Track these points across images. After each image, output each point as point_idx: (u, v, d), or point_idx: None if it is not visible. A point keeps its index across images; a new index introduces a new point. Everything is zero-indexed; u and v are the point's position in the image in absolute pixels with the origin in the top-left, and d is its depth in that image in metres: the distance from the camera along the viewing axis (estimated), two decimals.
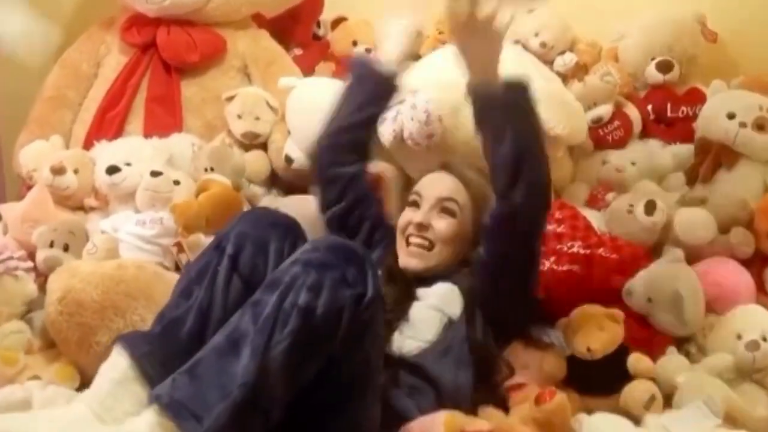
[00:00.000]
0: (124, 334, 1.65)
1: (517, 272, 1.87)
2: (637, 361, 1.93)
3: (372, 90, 2.06)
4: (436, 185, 1.97)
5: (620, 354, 1.94)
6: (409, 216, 1.96)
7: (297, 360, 1.45)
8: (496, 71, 1.77)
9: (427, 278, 1.93)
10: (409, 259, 1.94)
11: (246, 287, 1.63)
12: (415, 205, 1.97)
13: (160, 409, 1.42)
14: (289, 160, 2.50)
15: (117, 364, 1.55)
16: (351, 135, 2.06)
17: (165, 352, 1.56)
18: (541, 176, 1.81)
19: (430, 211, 1.94)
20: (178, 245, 2.11)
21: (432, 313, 1.86)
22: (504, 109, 1.78)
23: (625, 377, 1.92)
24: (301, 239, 1.75)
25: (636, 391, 1.88)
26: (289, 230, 1.75)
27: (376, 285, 1.51)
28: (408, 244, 1.95)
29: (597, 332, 1.93)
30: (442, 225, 1.93)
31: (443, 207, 1.94)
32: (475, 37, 1.73)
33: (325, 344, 1.47)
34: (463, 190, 1.96)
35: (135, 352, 1.55)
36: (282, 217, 1.79)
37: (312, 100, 2.45)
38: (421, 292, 1.91)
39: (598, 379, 1.93)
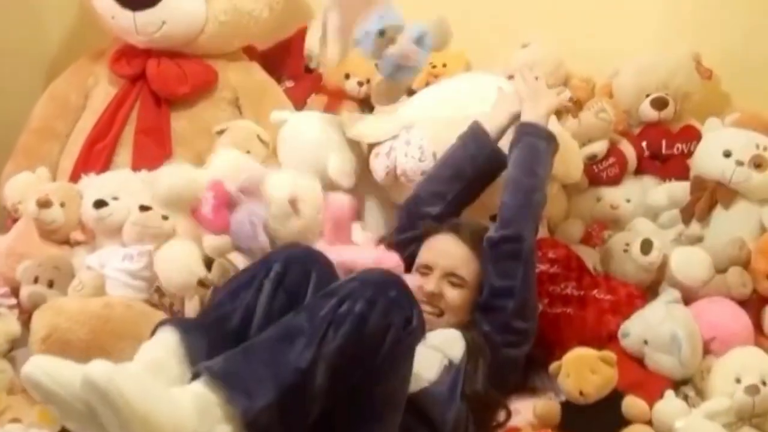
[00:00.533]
0: (168, 318, 1.68)
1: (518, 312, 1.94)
2: (632, 404, 1.90)
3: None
4: (445, 256, 2.02)
5: (615, 398, 1.91)
6: (419, 282, 1.98)
7: (342, 364, 1.46)
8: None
9: None
10: None
11: (289, 303, 1.63)
12: (423, 273, 2.01)
13: (209, 379, 1.39)
14: None
15: (165, 340, 1.54)
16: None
17: (212, 339, 1.56)
18: (541, 208, 2.06)
19: (441, 280, 1.98)
20: (159, 290, 2.07)
21: (433, 353, 1.84)
22: (547, 142, 2.08)
23: (621, 422, 1.89)
24: (336, 280, 1.75)
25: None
26: (329, 268, 1.77)
27: (421, 316, 1.58)
28: None
29: (589, 375, 1.90)
30: (453, 294, 1.98)
31: (451, 281, 1.99)
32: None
33: (368, 356, 1.50)
34: (471, 258, 2.01)
35: (185, 331, 1.55)
36: (323, 256, 1.81)
37: (304, 135, 2.43)
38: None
39: (593, 425, 1.89)
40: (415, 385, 1.76)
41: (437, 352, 1.84)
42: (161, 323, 1.60)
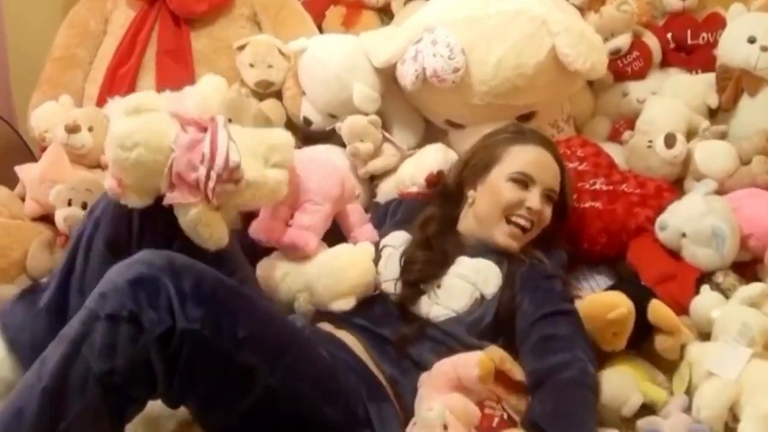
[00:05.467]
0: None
1: None
2: (657, 313, 1.84)
3: None
4: (547, 172, 1.96)
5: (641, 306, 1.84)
6: (518, 195, 1.92)
7: (109, 416, 1.40)
8: None
9: (473, 248, 1.93)
10: (510, 240, 1.92)
11: (108, 249, 1.63)
12: (522, 184, 1.93)
13: None
14: (308, 122, 2.47)
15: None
16: None
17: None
18: None
19: (542, 197, 1.92)
20: None
21: (465, 285, 1.84)
22: None
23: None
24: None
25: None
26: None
27: (188, 309, 1.40)
28: (509, 222, 1.92)
29: (613, 339, 1.83)
30: (547, 213, 1.95)
31: (548, 195, 1.95)
32: None
33: (141, 393, 1.44)
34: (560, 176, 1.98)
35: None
36: None
37: (325, 63, 2.40)
38: (461, 259, 1.89)
39: None
40: (442, 314, 1.81)
41: (469, 285, 1.84)
42: None
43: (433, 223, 1.97)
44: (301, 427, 1.54)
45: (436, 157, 2.30)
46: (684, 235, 2.02)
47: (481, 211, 1.96)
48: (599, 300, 1.85)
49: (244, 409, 1.47)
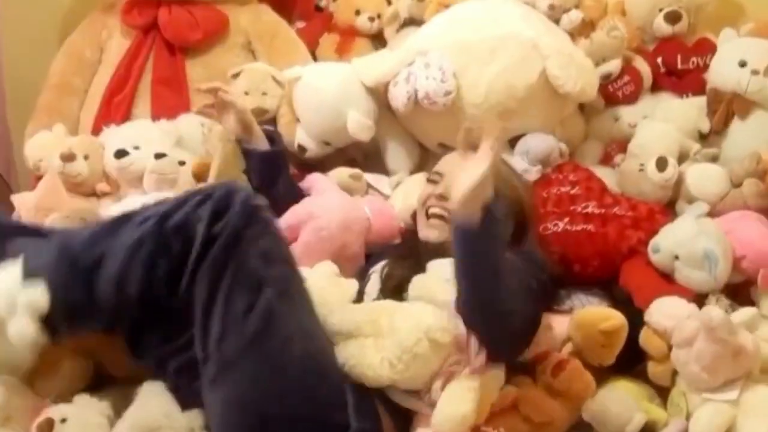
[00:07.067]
0: None
1: None
2: (649, 340, 1.87)
3: None
4: (455, 165, 1.93)
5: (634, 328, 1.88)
6: (429, 190, 2.00)
7: (146, 250, 1.58)
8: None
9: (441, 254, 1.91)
10: (428, 231, 1.97)
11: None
12: (433, 182, 2.02)
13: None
14: (302, 149, 2.48)
15: None
16: None
17: None
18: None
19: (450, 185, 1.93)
20: None
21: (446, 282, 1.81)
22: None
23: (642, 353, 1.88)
24: None
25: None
26: None
27: (245, 209, 1.60)
28: (428, 216, 1.97)
29: (602, 351, 1.85)
30: None
31: None
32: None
33: (180, 250, 1.58)
34: None
35: None
36: None
37: (320, 91, 2.43)
38: (431, 264, 1.87)
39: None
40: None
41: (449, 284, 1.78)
42: None
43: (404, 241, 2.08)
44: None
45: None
46: (677, 257, 2.03)
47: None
48: (593, 311, 1.90)
49: (243, 327, 1.56)
